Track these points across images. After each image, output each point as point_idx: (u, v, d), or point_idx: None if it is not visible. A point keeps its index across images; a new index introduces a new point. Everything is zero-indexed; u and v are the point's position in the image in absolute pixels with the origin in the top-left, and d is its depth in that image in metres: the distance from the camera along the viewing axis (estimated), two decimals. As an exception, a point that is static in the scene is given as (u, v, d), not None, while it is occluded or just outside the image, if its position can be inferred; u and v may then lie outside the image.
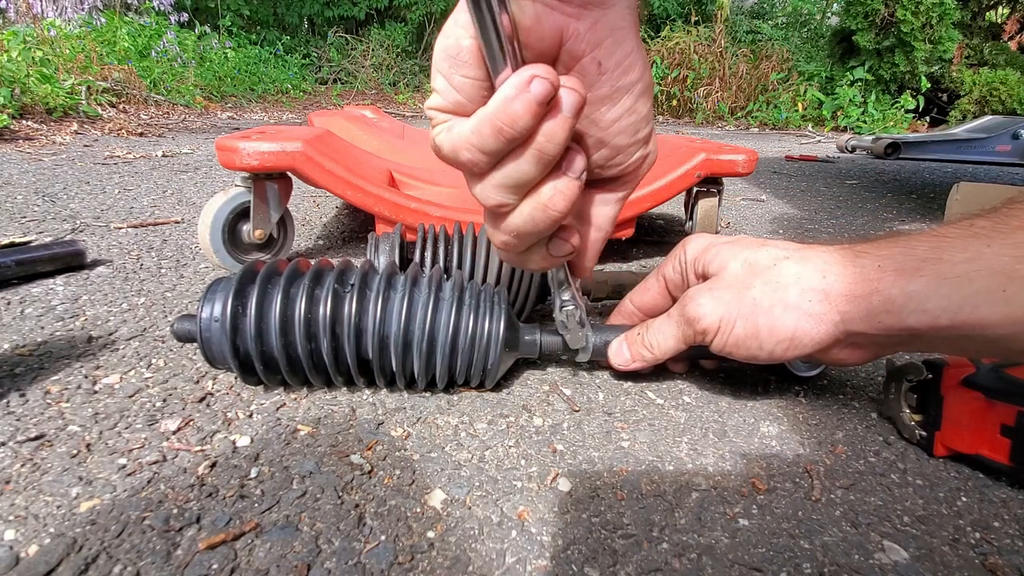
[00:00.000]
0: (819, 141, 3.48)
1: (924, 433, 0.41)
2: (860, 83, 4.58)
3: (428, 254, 0.54)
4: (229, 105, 3.72)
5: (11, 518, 0.31)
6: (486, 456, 0.39)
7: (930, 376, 0.41)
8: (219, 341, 0.40)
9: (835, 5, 5.98)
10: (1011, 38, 5.71)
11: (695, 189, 0.83)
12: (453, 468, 0.38)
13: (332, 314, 0.40)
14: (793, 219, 1.25)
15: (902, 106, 4.47)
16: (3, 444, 0.37)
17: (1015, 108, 4.58)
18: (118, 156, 1.61)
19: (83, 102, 2.33)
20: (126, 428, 0.40)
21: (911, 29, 4.34)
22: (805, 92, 4.56)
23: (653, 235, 1.03)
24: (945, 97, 5.04)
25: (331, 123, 1.23)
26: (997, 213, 0.34)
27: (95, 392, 0.44)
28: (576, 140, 0.30)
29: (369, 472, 0.37)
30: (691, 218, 0.85)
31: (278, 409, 0.43)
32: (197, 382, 0.46)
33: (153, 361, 0.49)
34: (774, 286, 0.38)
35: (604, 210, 0.35)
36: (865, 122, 4.31)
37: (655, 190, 0.76)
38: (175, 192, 1.20)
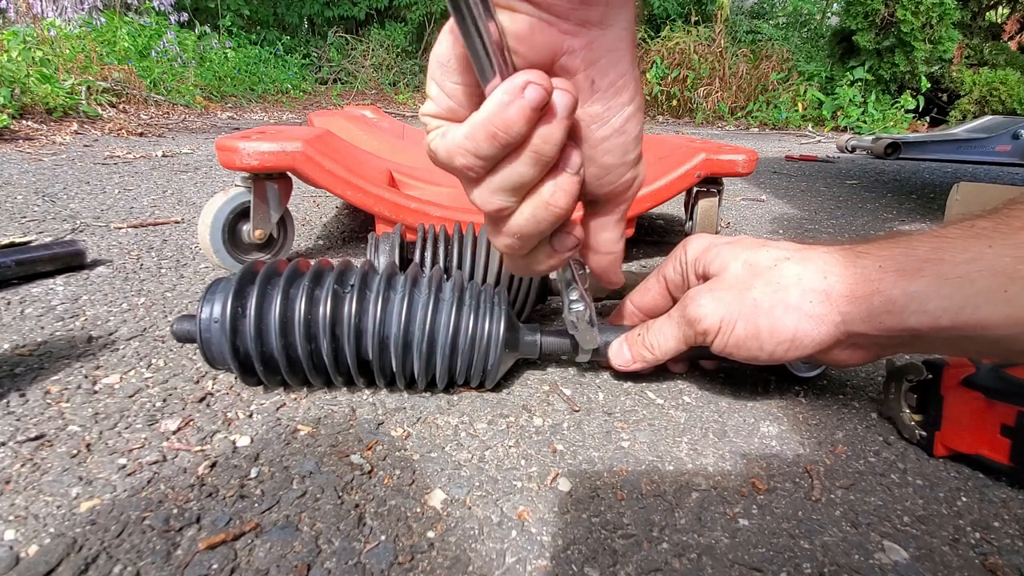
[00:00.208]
0: (819, 141, 3.48)
1: (924, 433, 0.41)
2: (860, 83, 4.58)
3: (428, 254, 0.54)
4: (229, 105, 3.72)
5: (11, 518, 0.31)
6: (486, 456, 0.39)
7: (930, 376, 0.41)
8: (219, 342, 0.40)
9: (835, 5, 5.98)
10: (1011, 38, 5.71)
11: (695, 189, 0.83)
12: (453, 468, 0.38)
13: (332, 315, 0.40)
14: (793, 219, 1.25)
15: (902, 106, 4.47)
16: (3, 444, 0.37)
17: (1015, 108, 4.58)
18: (118, 156, 1.61)
19: (83, 102, 2.33)
20: (126, 428, 0.40)
21: (911, 29, 4.34)
22: (805, 92, 4.56)
23: (653, 235, 1.03)
24: (945, 97, 5.04)
25: (331, 123, 1.23)
26: (998, 213, 0.34)
27: (95, 392, 0.44)
28: (569, 137, 0.30)
29: (369, 472, 0.37)
30: (691, 218, 0.85)
31: (278, 409, 0.43)
32: (197, 382, 0.46)
33: (153, 361, 0.49)
34: (775, 287, 0.38)
35: (605, 236, 0.36)
36: (865, 122, 4.31)
37: (655, 190, 0.76)
38: (175, 192, 1.20)
